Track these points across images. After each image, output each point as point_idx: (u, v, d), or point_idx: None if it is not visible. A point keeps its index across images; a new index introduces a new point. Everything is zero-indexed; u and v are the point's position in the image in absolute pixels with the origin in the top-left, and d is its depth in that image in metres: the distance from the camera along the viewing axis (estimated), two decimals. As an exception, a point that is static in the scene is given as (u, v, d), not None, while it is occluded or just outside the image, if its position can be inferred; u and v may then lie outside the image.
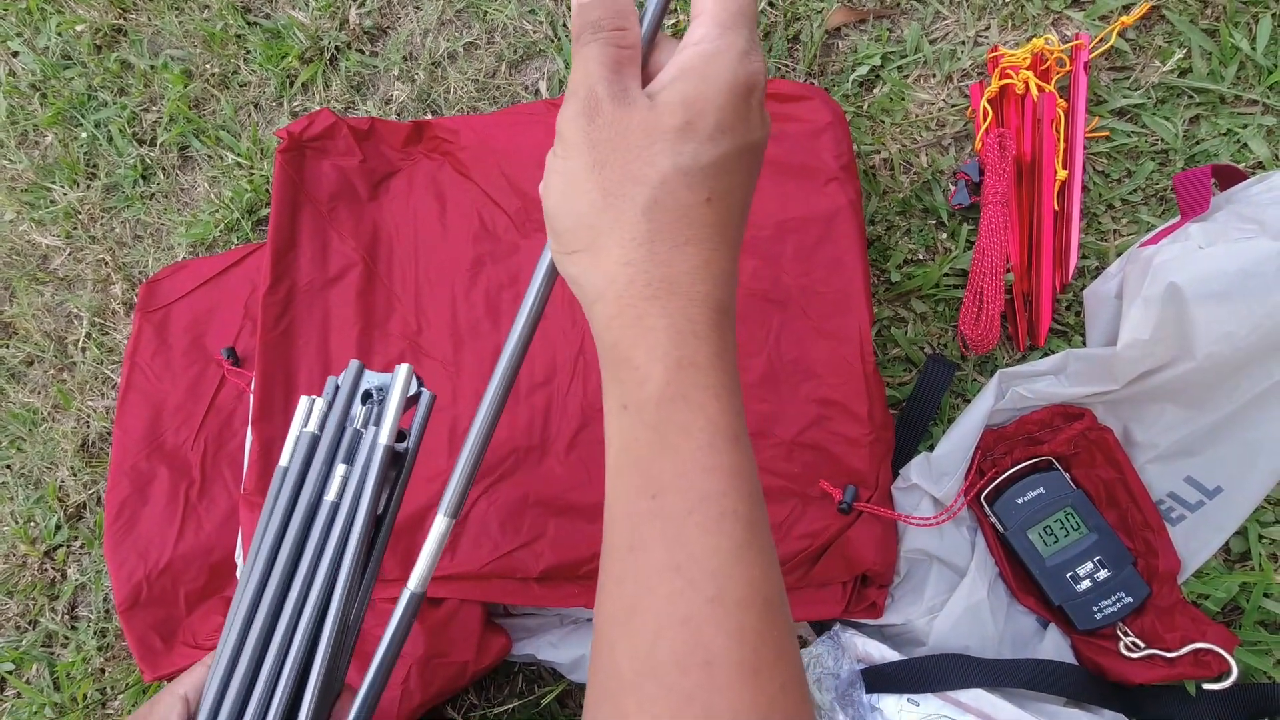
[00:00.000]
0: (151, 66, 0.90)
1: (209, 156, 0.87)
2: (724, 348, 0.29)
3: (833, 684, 0.55)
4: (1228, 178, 0.56)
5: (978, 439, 0.58)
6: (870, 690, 0.55)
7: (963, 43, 0.69)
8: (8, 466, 0.85)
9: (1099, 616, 0.55)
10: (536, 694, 0.64)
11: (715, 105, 0.28)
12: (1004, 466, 0.59)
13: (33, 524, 0.82)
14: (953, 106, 0.68)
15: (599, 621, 0.30)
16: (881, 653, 0.56)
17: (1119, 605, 0.55)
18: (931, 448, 0.61)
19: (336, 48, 0.85)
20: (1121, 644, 0.55)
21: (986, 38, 0.69)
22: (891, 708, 0.54)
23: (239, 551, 0.64)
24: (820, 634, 0.59)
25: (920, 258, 0.66)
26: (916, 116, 0.69)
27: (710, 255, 0.29)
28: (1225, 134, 0.62)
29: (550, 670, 0.64)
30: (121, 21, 0.92)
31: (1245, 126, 0.61)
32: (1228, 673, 0.51)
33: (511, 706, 0.64)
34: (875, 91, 0.71)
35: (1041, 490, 0.58)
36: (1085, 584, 0.56)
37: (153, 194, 0.88)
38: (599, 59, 0.29)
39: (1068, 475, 0.58)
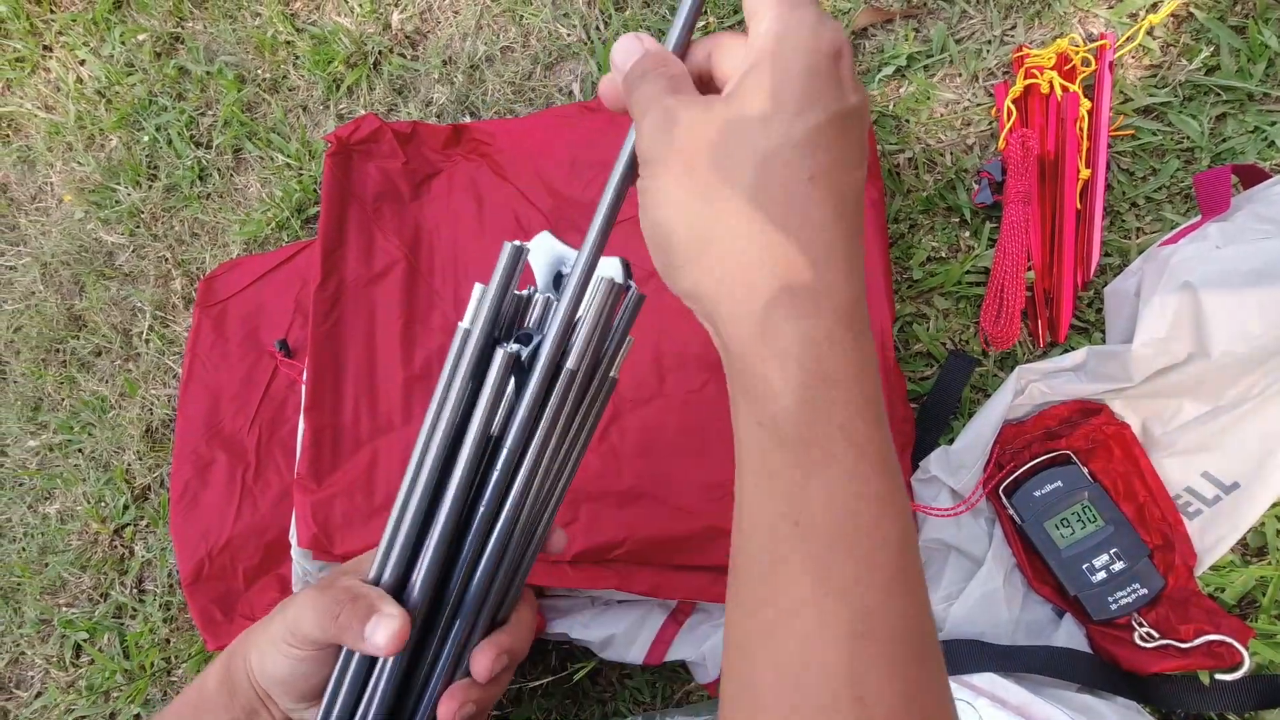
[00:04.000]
0: (207, 72, 0.95)
1: (260, 158, 0.92)
2: (862, 357, 0.26)
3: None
4: (1250, 177, 0.56)
5: (996, 433, 0.60)
6: (887, 673, 0.57)
7: (989, 42, 0.70)
8: (80, 450, 0.91)
9: (1114, 607, 0.56)
10: (569, 670, 0.68)
11: (796, 78, 0.25)
12: (1022, 460, 0.61)
13: (103, 504, 0.88)
14: (978, 106, 0.69)
15: (736, 628, 0.28)
16: (898, 637, 0.58)
17: (1134, 596, 0.56)
18: (951, 441, 0.62)
19: (380, 52, 0.89)
20: (1136, 634, 0.56)
21: (1013, 37, 0.70)
22: (907, 690, 0.56)
23: (293, 532, 0.68)
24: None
25: (943, 255, 0.68)
26: (941, 116, 0.70)
27: (830, 242, 0.25)
28: (1253, 132, 0.62)
29: (582, 648, 0.67)
30: (179, 30, 0.97)
31: (1273, 124, 0.61)
32: (1240, 664, 0.52)
33: (545, 682, 0.68)
34: (901, 91, 0.72)
35: (1059, 483, 0.59)
36: (1101, 575, 0.57)
37: (209, 194, 0.93)
38: (657, 86, 0.28)
39: (1085, 469, 0.60)
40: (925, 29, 0.72)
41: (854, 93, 0.27)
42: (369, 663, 0.40)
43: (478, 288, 0.37)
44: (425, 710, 0.41)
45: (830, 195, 0.25)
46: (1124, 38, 0.65)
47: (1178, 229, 0.58)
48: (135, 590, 0.85)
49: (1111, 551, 0.57)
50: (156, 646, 0.82)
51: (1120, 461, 0.59)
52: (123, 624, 0.85)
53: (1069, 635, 0.58)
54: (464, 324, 0.37)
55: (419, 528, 0.38)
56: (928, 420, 0.64)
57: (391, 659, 0.39)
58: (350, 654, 0.39)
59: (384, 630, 0.36)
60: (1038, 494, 0.60)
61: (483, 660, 0.40)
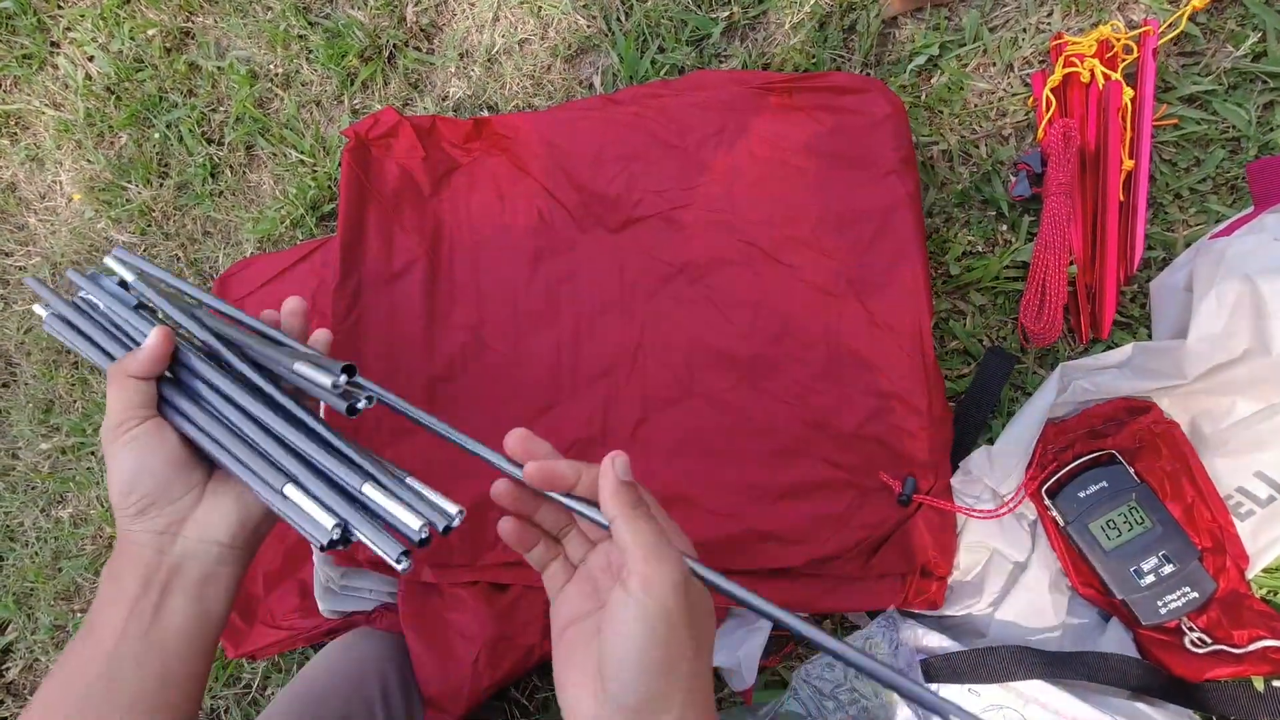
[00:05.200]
0: (218, 68, 0.93)
1: (273, 154, 0.90)
2: None
3: (889, 664, 0.56)
4: (1305, 167, 0.54)
5: (1039, 432, 0.58)
6: (930, 680, 0.55)
7: (1024, 30, 0.68)
8: (92, 453, 0.90)
9: (1163, 611, 0.55)
10: (597, 676, 0.66)
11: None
12: (1065, 460, 0.59)
13: (117, 507, 0.87)
14: (1013, 95, 0.68)
15: None
16: (941, 643, 0.56)
17: (1184, 600, 0.55)
18: (991, 440, 0.61)
19: (394, 46, 0.87)
20: (1186, 639, 0.54)
21: (1049, 24, 0.68)
22: (952, 697, 0.54)
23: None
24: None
25: (979, 250, 0.66)
26: (976, 106, 0.68)
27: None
28: (1302, 120, 0.60)
29: (610, 654, 0.65)
30: (189, 24, 0.95)
31: (1323, 112, 0.59)
32: (1298, 669, 0.51)
33: (573, 688, 0.66)
34: (933, 81, 0.70)
35: (1104, 484, 0.58)
36: (1149, 578, 0.55)
37: (221, 191, 0.92)
38: (660, 533, 0.34)
39: (1131, 469, 0.58)
40: (957, 17, 0.70)
41: None
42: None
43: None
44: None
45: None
46: (1166, 23, 0.63)
47: (1228, 221, 0.56)
48: (151, 595, 0.84)
49: (1160, 554, 0.56)
50: (173, 652, 0.80)
51: (1168, 461, 0.57)
52: (138, 630, 0.83)
53: (1116, 639, 0.56)
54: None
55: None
56: (966, 419, 0.62)
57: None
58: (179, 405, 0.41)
59: (150, 334, 0.41)
60: (1082, 495, 0.58)
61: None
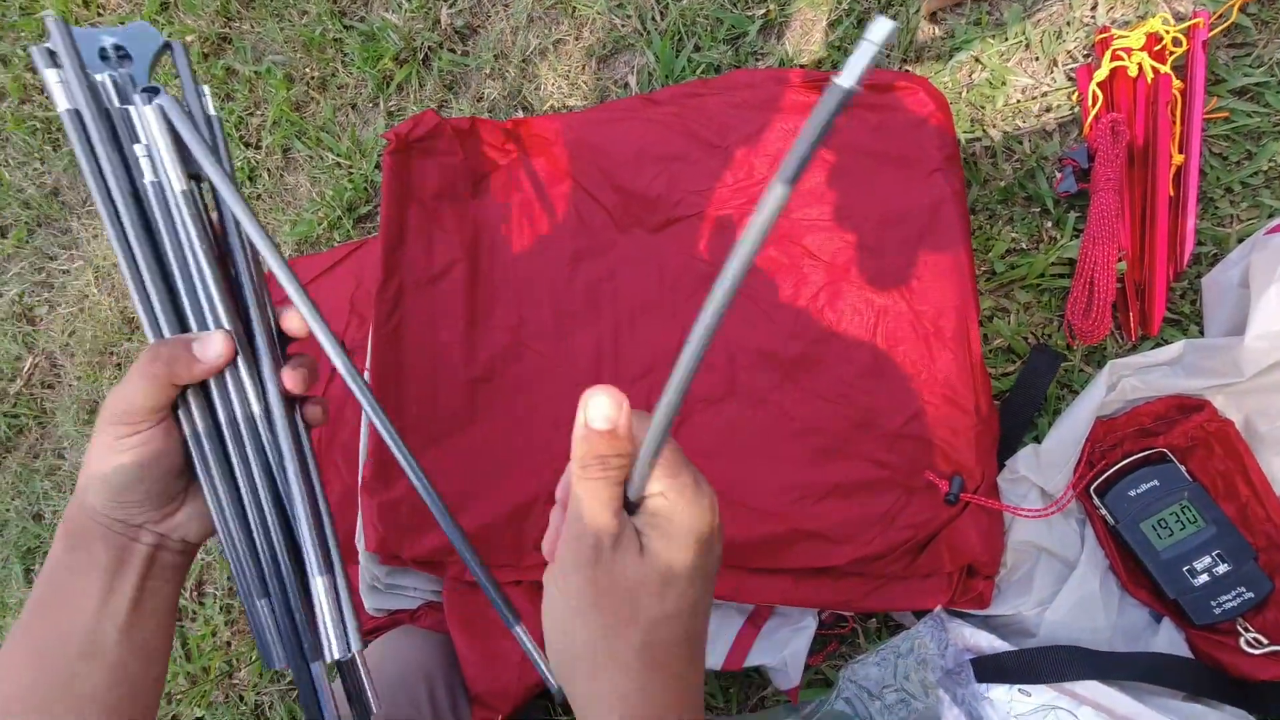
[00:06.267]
0: (255, 72, 0.94)
1: (310, 157, 0.91)
2: None
3: (938, 664, 0.56)
4: (1364, 159, 0.53)
5: (1088, 431, 0.57)
6: (980, 679, 0.55)
7: (1067, 24, 0.67)
8: (136, 453, 0.91)
9: (1218, 611, 0.54)
10: (640, 675, 0.66)
11: (686, 560, 0.30)
12: (1114, 458, 0.58)
13: (161, 506, 0.88)
14: (1057, 90, 0.67)
15: None
16: (991, 643, 0.56)
17: (1239, 600, 0.54)
18: (1038, 439, 0.60)
19: (429, 48, 0.88)
20: (1242, 639, 0.54)
21: (1093, 18, 0.67)
22: (1002, 697, 0.54)
23: (359, 536, 0.67)
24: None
25: (1024, 247, 0.65)
26: (1018, 102, 0.68)
27: (688, 685, 0.31)
28: (1357, 112, 0.59)
29: (653, 652, 0.66)
30: (227, 30, 0.97)
31: (1380, 103, 0.58)
32: (1359, 671, 0.50)
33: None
34: (974, 77, 0.69)
35: (1155, 482, 0.57)
36: (1203, 578, 0.55)
37: (259, 194, 0.93)
38: (604, 501, 0.30)
39: (1183, 468, 0.57)
40: (998, 11, 0.70)
41: (715, 562, 0.32)
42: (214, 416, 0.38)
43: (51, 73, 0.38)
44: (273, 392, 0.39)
45: (694, 646, 0.32)
46: (1216, 15, 0.62)
47: (1284, 215, 0.55)
48: (195, 593, 0.85)
49: (1214, 554, 0.55)
50: (219, 650, 0.82)
51: (1221, 459, 0.56)
52: (184, 626, 0.85)
53: (1169, 639, 0.56)
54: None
55: (162, 279, 0.39)
56: (1012, 418, 0.62)
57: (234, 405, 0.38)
58: (197, 434, 0.38)
59: (212, 344, 0.37)
60: (1132, 494, 0.57)
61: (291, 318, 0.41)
